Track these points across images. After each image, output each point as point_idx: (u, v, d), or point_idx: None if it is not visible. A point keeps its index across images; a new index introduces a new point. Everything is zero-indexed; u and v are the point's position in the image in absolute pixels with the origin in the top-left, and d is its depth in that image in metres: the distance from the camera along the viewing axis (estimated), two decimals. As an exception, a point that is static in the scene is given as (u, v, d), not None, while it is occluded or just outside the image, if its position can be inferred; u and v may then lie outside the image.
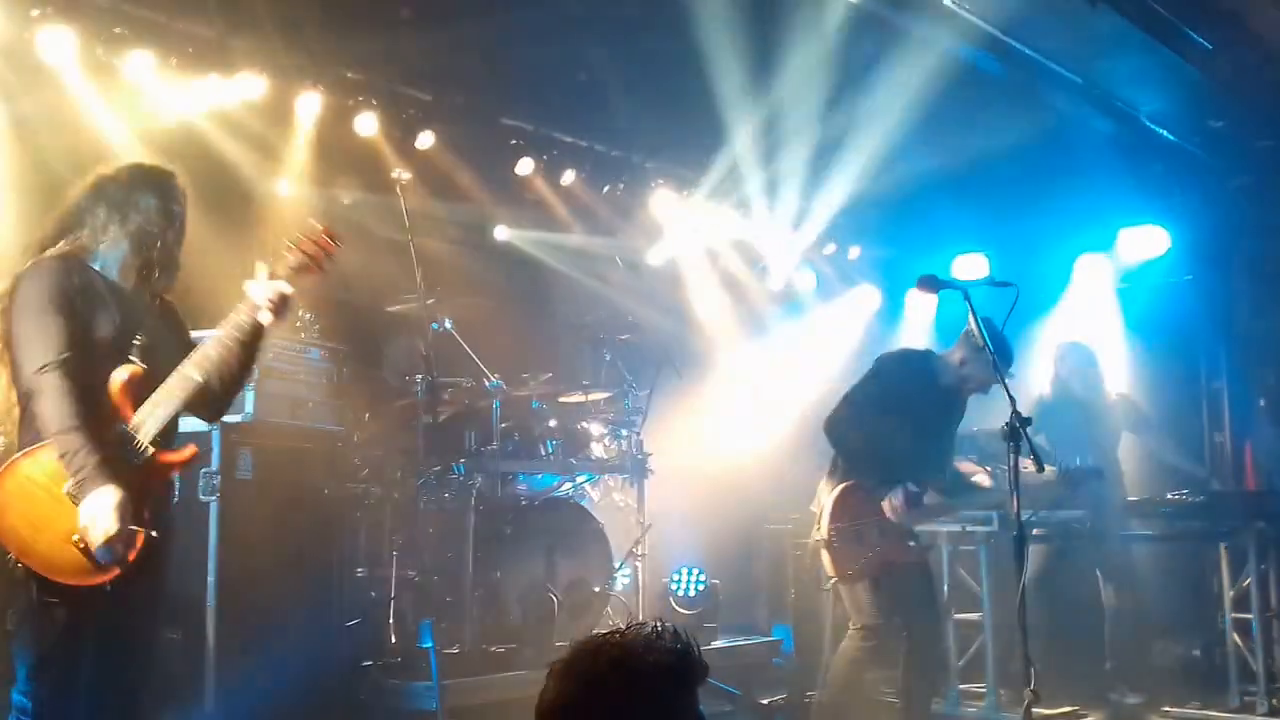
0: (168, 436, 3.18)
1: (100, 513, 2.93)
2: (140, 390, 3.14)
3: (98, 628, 3.07)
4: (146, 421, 3.11)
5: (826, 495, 4.99)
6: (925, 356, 5.20)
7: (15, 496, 3.00)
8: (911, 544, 5.00)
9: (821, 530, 4.94)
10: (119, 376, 3.11)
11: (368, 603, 5.74)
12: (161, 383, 3.16)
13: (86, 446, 2.95)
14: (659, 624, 2.00)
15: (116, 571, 3.02)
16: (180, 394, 3.14)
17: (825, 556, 4.94)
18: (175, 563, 3.41)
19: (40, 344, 3.00)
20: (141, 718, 3.24)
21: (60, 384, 2.97)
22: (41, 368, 2.98)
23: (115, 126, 5.59)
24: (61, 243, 3.20)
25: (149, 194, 3.26)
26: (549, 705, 1.91)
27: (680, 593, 6.91)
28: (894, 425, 4.82)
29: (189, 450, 3.24)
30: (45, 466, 3.02)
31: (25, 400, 3.06)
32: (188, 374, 3.14)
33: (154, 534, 3.07)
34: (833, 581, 5.00)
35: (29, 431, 3.06)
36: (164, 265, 3.28)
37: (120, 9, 5.44)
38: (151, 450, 3.10)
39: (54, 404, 2.96)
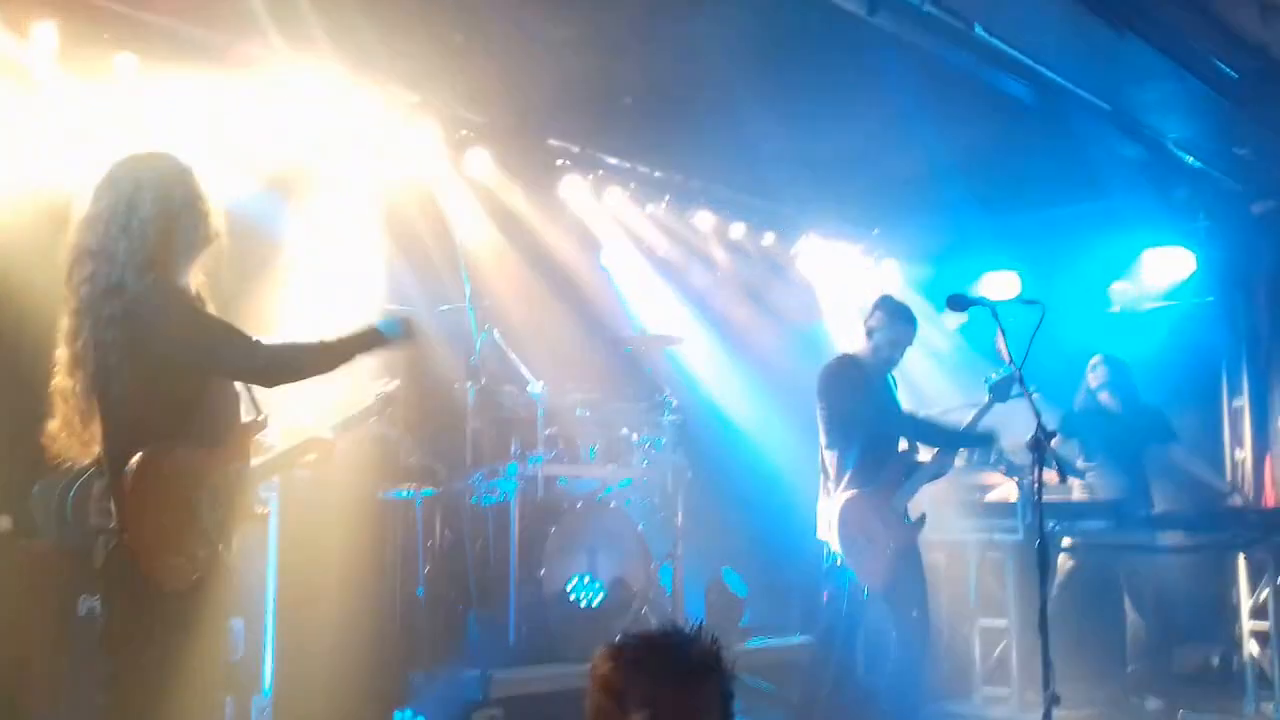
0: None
1: None
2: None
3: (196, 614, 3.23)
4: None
5: (831, 518, 5.24)
6: (848, 358, 5.53)
7: (169, 482, 3.16)
8: (906, 524, 5.33)
9: (838, 550, 5.20)
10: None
11: (418, 597, 6.00)
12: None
13: None
14: (676, 623, 2.18)
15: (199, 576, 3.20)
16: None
17: (854, 574, 5.18)
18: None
19: None
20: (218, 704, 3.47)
21: None
22: None
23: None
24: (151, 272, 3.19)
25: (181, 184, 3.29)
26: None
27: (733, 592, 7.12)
28: (867, 426, 5.25)
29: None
30: (193, 466, 3.23)
31: None
32: None
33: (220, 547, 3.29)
34: (869, 591, 5.21)
35: None
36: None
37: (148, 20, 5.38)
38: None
39: None
